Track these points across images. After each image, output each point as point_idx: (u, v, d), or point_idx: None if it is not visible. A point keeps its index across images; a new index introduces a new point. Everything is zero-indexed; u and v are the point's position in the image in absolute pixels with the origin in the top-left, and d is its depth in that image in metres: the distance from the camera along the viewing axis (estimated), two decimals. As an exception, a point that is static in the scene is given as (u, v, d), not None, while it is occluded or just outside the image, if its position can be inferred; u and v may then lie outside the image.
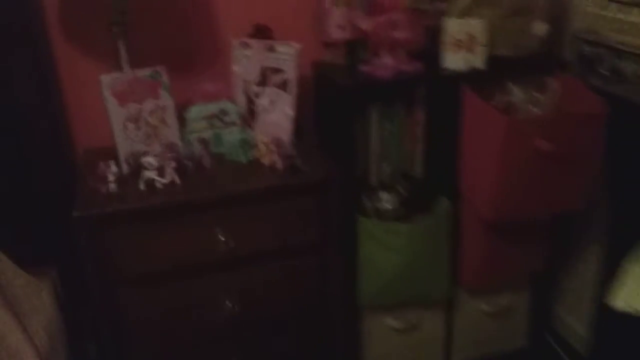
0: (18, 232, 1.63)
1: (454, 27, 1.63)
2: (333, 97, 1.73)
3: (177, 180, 1.54)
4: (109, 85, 1.55)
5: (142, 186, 1.51)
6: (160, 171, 1.52)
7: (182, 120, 1.68)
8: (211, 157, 1.65)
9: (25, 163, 1.66)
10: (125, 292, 1.52)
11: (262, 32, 1.74)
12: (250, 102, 1.76)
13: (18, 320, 1.43)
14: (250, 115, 1.78)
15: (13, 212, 1.64)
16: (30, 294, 1.55)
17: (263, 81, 1.73)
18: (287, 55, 1.66)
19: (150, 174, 1.50)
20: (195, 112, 1.68)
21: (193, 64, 1.83)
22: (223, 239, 1.54)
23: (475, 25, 1.62)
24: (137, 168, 1.53)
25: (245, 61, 1.75)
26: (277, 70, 1.69)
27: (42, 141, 1.67)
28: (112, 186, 1.49)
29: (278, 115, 1.71)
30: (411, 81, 1.69)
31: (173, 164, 1.52)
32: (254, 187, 1.52)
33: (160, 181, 1.51)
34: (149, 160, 1.48)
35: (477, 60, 1.65)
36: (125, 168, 1.59)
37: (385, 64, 1.65)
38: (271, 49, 1.69)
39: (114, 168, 1.48)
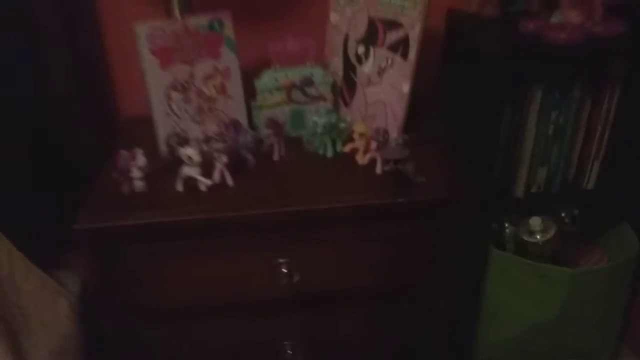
0: (43, 216, 1.25)
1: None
2: (474, 69, 1.15)
3: (230, 181, 1.06)
4: (148, 39, 1.08)
5: (179, 187, 1.05)
6: (207, 168, 1.04)
7: (249, 91, 1.19)
8: (284, 144, 1.15)
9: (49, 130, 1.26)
10: (147, 332, 1.10)
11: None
12: (350, 69, 1.22)
13: (11, 343, 1.06)
14: (347, 88, 1.24)
15: (37, 191, 1.24)
16: (43, 303, 1.16)
17: (371, 39, 1.17)
18: (410, 2, 1.09)
19: (190, 172, 1.03)
20: (268, 79, 1.17)
21: (269, 11, 1.31)
22: (285, 270, 1.05)
23: None
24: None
25: (349, 8, 1.20)
26: (393, 24, 1.13)
27: (72, 102, 1.25)
28: (139, 184, 1.04)
29: (387, 91, 1.16)
30: (605, 50, 1.06)
31: (224, 159, 1.04)
32: (339, 204, 1.00)
33: (204, 182, 1.04)
34: (190, 152, 1.01)
35: None
36: (164, 155, 1.14)
37: (566, 21, 1.03)
38: (386, -9, 1.13)
39: (140, 159, 1.02)
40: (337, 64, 1.24)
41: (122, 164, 1.02)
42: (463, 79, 1.19)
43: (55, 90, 1.21)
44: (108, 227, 0.97)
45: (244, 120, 1.20)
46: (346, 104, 1.25)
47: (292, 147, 1.17)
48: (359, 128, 1.09)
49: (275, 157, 1.15)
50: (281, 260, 1.05)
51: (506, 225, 1.16)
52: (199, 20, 1.11)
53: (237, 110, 1.19)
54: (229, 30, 1.13)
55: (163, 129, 1.14)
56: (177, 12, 1.13)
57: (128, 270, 1.02)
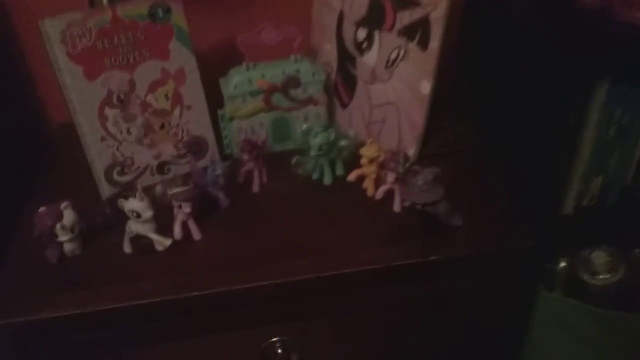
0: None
1: None
2: (514, 58, 0.85)
3: (197, 235, 0.78)
4: (63, 40, 0.75)
5: (127, 248, 0.76)
6: (165, 215, 0.75)
7: (214, 96, 0.88)
8: (266, 170, 0.86)
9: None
10: None
11: None
12: (347, 59, 0.92)
13: None
14: (344, 85, 0.94)
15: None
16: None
17: (375, 20, 0.87)
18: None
19: (140, 229, 0.73)
20: (239, 81, 0.86)
21: None
22: (281, 351, 0.78)
23: None
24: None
25: (340, -22, 0.88)
26: (406, 1, 0.83)
27: None
28: (70, 247, 0.75)
29: (400, 91, 0.87)
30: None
31: (186, 210, 0.74)
32: (348, 269, 0.73)
33: (161, 243, 0.75)
34: (135, 206, 0.71)
35: None
36: (106, 196, 0.84)
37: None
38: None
39: (68, 217, 0.72)
40: (330, 52, 0.93)
41: (41, 226, 0.72)
42: (496, 70, 0.90)
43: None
44: (28, 322, 0.68)
45: (210, 137, 0.90)
46: (344, 106, 0.95)
47: (276, 168, 0.87)
48: (368, 152, 0.80)
49: (256, 189, 0.85)
50: (274, 340, 0.78)
51: (560, 262, 0.90)
52: (136, 8, 0.78)
53: (200, 125, 0.88)
54: (179, 19, 0.81)
55: (100, 161, 0.83)
56: (104, -3, 0.80)
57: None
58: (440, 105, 0.87)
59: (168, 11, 0.80)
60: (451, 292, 0.79)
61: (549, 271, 0.91)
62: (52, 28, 0.74)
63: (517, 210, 0.80)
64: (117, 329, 0.72)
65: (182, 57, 0.83)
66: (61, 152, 0.89)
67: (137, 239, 0.75)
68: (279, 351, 0.78)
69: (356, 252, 0.74)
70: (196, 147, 0.89)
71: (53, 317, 0.68)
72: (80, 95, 0.78)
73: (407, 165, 0.76)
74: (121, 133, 0.83)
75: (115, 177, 0.85)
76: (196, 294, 0.70)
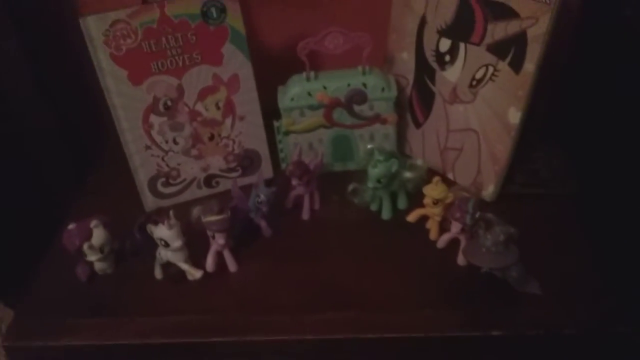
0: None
1: None
2: None
3: (232, 266, 0.70)
4: (106, 40, 0.69)
5: (158, 274, 0.70)
6: (200, 241, 0.68)
7: (270, 107, 0.79)
8: (318, 194, 0.77)
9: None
10: None
11: None
12: (426, 72, 0.79)
13: None
14: (419, 101, 0.81)
15: None
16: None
17: (462, 30, 0.73)
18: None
19: (170, 257, 0.67)
20: (298, 92, 0.77)
21: None
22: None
23: None
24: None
25: (425, -23, 0.75)
26: (501, 11, 0.68)
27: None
28: (100, 266, 0.70)
29: (484, 117, 0.73)
30: None
31: (220, 241, 0.67)
32: (403, 333, 0.62)
33: (191, 273, 0.68)
34: (163, 234, 0.65)
35: None
36: (149, 208, 0.79)
37: None
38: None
39: (97, 236, 0.68)
40: (407, 63, 0.81)
41: (69, 244, 0.67)
42: (612, 96, 0.74)
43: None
44: (45, 347, 0.65)
45: (264, 151, 0.81)
46: (417, 125, 0.83)
47: (332, 190, 0.78)
48: (432, 192, 0.68)
49: (305, 216, 0.77)
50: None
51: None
52: (186, 6, 0.70)
53: (252, 137, 0.80)
54: (235, 19, 0.72)
55: (144, 171, 0.78)
56: (155, -8, 0.73)
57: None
58: (534, 132, 0.72)
59: (223, 11, 0.71)
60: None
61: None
62: (95, 26, 0.68)
63: (618, 283, 0.65)
64: (136, 363, 0.68)
65: (236, 62, 0.74)
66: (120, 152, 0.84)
67: (168, 265, 0.69)
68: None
69: (405, 310, 0.63)
70: (247, 160, 0.81)
71: (71, 344, 0.64)
72: (124, 100, 0.72)
73: (477, 215, 0.63)
74: (167, 142, 0.77)
75: (160, 187, 0.79)
76: (219, 339, 0.63)
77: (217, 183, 0.82)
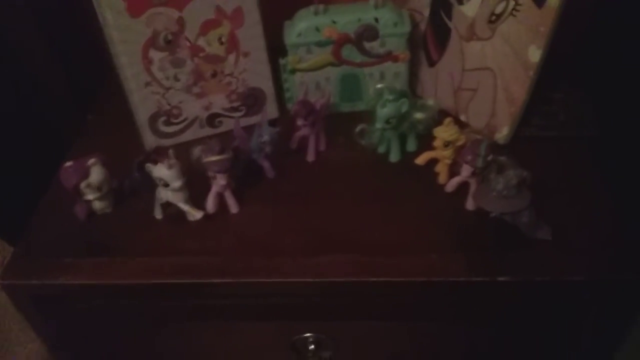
0: None
1: None
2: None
3: (234, 208, 0.69)
4: (102, -34, 0.65)
5: (158, 214, 0.69)
6: (202, 182, 0.66)
7: (276, 43, 0.76)
8: (324, 135, 0.74)
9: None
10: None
11: None
12: (442, 6, 0.74)
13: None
14: (434, 38, 0.77)
15: None
16: None
17: (479, -39, 0.68)
18: None
19: (170, 197, 0.65)
20: (305, 27, 0.73)
21: None
22: (313, 347, 0.70)
23: None
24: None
25: None
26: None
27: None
28: (99, 205, 0.69)
29: (502, 54, 0.69)
30: None
31: (221, 182, 0.65)
32: (400, 277, 0.60)
33: (191, 214, 0.67)
34: (162, 173, 0.63)
35: None
36: (149, 148, 0.77)
37: None
38: None
39: (95, 174, 0.66)
40: (420, 1, 0.76)
41: (67, 182, 0.66)
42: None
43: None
44: (43, 285, 0.64)
45: (268, 89, 0.78)
46: (431, 63, 0.78)
47: (339, 132, 0.75)
48: (444, 134, 0.64)
49: (310, 157, 0.74)
50: (307, 335, 0.69)
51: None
52: None
53: (257, 75, 0.77)
54: (239, -54, 0.68)
55: (144, 108, 0.75)
56: None
57: (85, 341, 0.71)
58: (552, 72, 0.68)
59: (226, -63, 0.67)
60: (521, 317, 0.65)
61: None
62: (90, -45, 0.64)
63: (631, 230, 0.62)
64: (136, 303, 0.67)
65: (240, -5, 0.70)
66: (115, 92, 0.81)
67: (168, 205, 0.67)
68: (311, 347, 0.69)
69: (410, 255, 0.61)
70: (252, 99, 0.78)
71: (69, 283, 0.63)
72: (122, 34, 0.69)
73: (490, 158, 0.60)
74: (168, 79, 0.74)
75: (161, 126, 0.77)
76: (219, 280, 0.62)
77: (220, 122, 0.79)
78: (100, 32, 0.69)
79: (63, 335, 0.72)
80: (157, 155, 0.64)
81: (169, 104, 0.75)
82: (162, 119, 0.76)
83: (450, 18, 0.73)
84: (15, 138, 0.89)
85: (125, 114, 0.75)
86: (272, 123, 0.72)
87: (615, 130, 0.72)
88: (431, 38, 0.77)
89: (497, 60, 0.70)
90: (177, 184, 0.63)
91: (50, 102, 0.93)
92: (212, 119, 0.78)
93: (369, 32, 0.72)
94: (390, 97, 0.67)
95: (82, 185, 0.65)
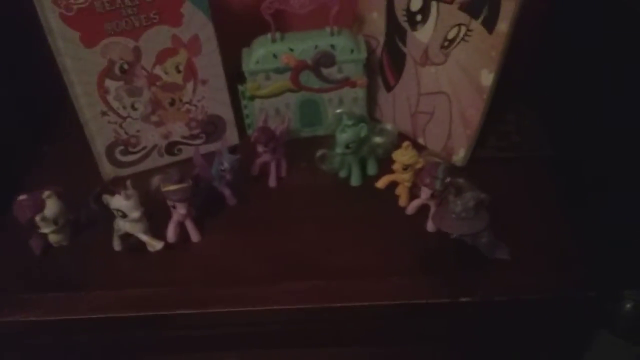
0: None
1: None
2: (623, 45, 0.67)
3: (195, 236, 0.68)
4: (55, 0, 0.64)
5: (116, 246, 0.67)
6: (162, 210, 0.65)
7: (236, 72, 0.76)
8: (285, 161, 0.74)
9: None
10: None
11: None
12: (397, 33, 0.76)
13: None
14: (390, 63, 0.78)
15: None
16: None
17: (430, -11, 0.70)
18: None
19: (128, 228, 0.64)
20: (263, 55, 0.73)
21: None
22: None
23: None
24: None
25: None
26: (470, -32, 0.65)
27: None
28: (55, 238, 0.67)
29: (455, 78, 0.71)
30: None
31: (181, 211, 0.65)
32: (364, 302, 0.61)
33: (152, 245, 0.66)
34: (121, 205, 0.61)
35: None
36: (106, 177, 0.75)
37: None
38: None
39: (51, 207, 0.64)
40: (377, 23, 0.77)
41: (21, 216, 0.64)
42: (591, 56, 0.71)
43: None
44: (3, 322, 0.62)
45: (228, 117, 0.78)
46: (388, 87, 0.80)
47: (300, 157, 0.75)
48: (401, 157, 0.65)
49: (272, 183, 0.74)
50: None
51: (626, 303, 0.74)
52: (142, -38, 0.66)
53: (216, 102, 0.76)
54: (195, -25, 0.68)
55: (100, 138, 0.74)
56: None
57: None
58: (506, 94, 0.70)
59: (181, -34, 0.67)
60: (485, 335, 0.66)
61: (611, 312, 0.76)
62: (42, -16, 0.63)
63: (584, 244, 0.64)
64: (97, 338, 0.65)
65: (197, 23, 0.70)
66: (72, 120, 0.80)
67: (127, 236, 0.66)
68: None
69: (373, 278, 0.62)
70: (211, 126, 0.78)
71: (26, 320, 0.61)
72: (77, 64, 0.68)
73: (447, 181, 0.61)
74: (124, 108, 0.73)
75: (118, 155, 0.76)
76: (182, 312, 0.61)
77: (180, 150, 0.78)
78: (53, 59, 0.68)
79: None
80: (114, 186, 0.63)
81: (127, 133, 0.74)
82: (120, 148, 0.75)
83: (405, 44, 0.75)
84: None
85: (81, 143, 0.74)
86: (233, 150, 0.72)
87: (568, 150, 0.74)
88: (387, 63, 0.78)
89: (452, 84, 0.72)
90: (135, 214, 0.62)
91: (3, 131, 0.91)
92: (171, 147, 0.78)
93: (326, 59, 0.73)
94: (349, 123, 0.68)
95: (37, 218, 0.64)
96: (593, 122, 0.73)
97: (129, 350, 0.68)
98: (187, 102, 0.75)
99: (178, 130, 0.77)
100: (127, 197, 0.61)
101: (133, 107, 0.73)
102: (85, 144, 0.74)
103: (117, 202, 0.61)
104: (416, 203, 0.66)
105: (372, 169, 0.74)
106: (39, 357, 0.68)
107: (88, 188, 0.64)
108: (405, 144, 0.66)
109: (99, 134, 0.73)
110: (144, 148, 0.76)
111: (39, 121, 0.90)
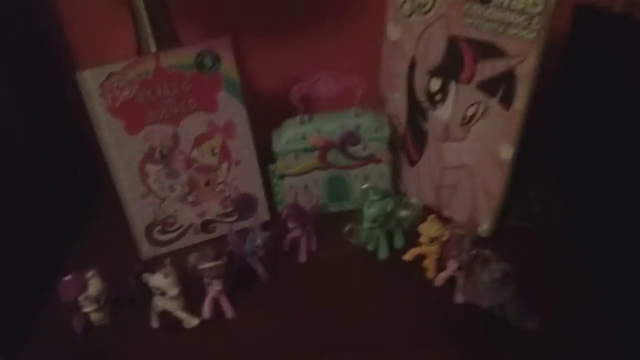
0: None
1: None
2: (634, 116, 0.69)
3: (229, 312, 0.70)
4: (101, 93, 0.70)
5: (154, 323, 0.70)
6: (197, 288, 0.68)
7: (266, 151, 0.80)
8: (315, 236, 0.77)
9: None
10: None
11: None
12: (418, 111, 0.80)
13: None
14: (413, 140, 0.82)
15: None
16: None
17: (452, 70, 0.74)
18: (520, 16, 0.65)
19: (166, 305, 0.67)
20: (292, 136, 0.78)
21: (292, 28, 0.89)
22: None
23: None
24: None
25: (417, 18, 0.77)
26: (489, 50, 0.69)
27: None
28: (96, 317, 0.70)
29: (476, 154, 0.74)
30: None
31: (216, 287, 0.67)
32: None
33: (188, 321, 0.68)
34: (159, 282, 0.65)
35: None
36: (145, 255, 0.79)
37: None
38: (476, -2, 0.69)
39: (94, 286, 0.68)
40: (399, 102, 0.82)
41: (66, 296, 0.67)
42: (604, 129, 0.74)
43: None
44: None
45: (260, 195, 0.82)
46: (412, 163, 0.83)
47: (329, 232, 0.78)
48: (427, 230, 0.68)
49: (302, 258, 0.76)
50: None
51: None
52: (181, 57, 0.72)
53: (248, 182, 0.81)
54: (229, 68, 0.74)
55: (140, 219, 0.78)
56: (151, 44, 0.75)
57: None
58: (526, 166, 0.73)
59: (217, 60, 0.73)
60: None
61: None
62: (91, 80, 0.69)
63: (613, 309, 0.64)
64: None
65: (231, 109, 0.76)
66: (115, 199, 0.85)
67: (164, 314, 0.68)
68: None
69: (403, 350, 0.63)
70: (244, 204, 0.81)
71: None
72: (120, 151, 0.73)
73: (474, 252, 0.63)
74: (163, 190, 0.77)
75: (156, 235, 0.79)
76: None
77: (214, 228, 0.82)
78: (95, 145, 0.73)
79: None
80: (154, 265, 0.66)
81: (165, 213, 0.79)
82: (158, 227, 0.79)
83: (426, 122, 0.79)
84: (8, 247, 0.91)
85: (120, 223, 0.78)
86: (264, 226, 0.75)
87: (587, 217, 0.76)
88: (410, 140, 0.82)
89: (473, 158, 0.75)
90: (173, 292, 0.65)
91: (45, 211, 0.96)
92: (206, 225, 0.81)
93: (352, 138, 0.78)
94: (376, 198, 0.71)
95: (81, 298, 0.67)
96: (611, 191, 0.75)
97: None
98: (221, 182, 0.79)
99: (212, 209, 0.81)
100: (166, 275, 0.64)
101: (171, 189, 0.78)
102: (123, 224, 0.78)
103: (157, 280, 0.65)
104: (444, 275, 0.68)
105: (399, 242, 0.76)
106: None
107: (127, 267, 0.68)
108: (431, 217, 0.68)
109: (140, 214, 0.77)
110: (180, 227, 0.80)
111: (80, 203, 0.95)
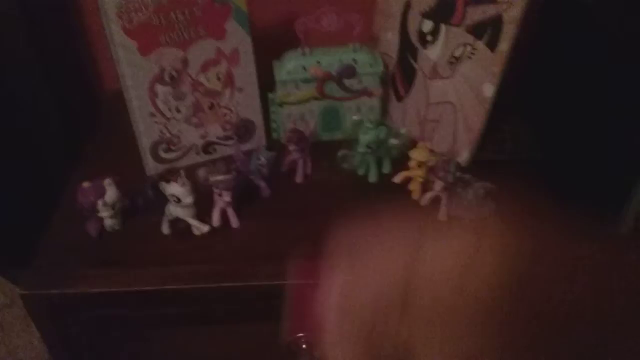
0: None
1: None
2: (601, 63, 0.79)
3: (235, 223, 0.77)
4: (119, 15, 0.74)
5: (165, 229, 0.76)
6: (204, 201, 0.74)
7: (266, 79, 0.86)
8: (311, 160, 0.84)
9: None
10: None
11: None
12: (409, 51, 0.87)
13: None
14: (402, 77, 0.89)
15: None
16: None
17: (443, 13, 0.81)
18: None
19: (179, 213, 0.73)
20: (293, 67, 0.84)
21: None
22: (305, 346, 0.78)
23: None
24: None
25: (409, -36, 0.83)
26: (476, -4, 0.77)
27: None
28: (110, 223, 0.75)
29: (461, 91, 0.82)
30: None
31: (226, 198, 0.74)
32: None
33: (198, 228, 0.75)
34: (176, 190, 0.71)
35: None
36: (150, 174, 0.84)
37: None
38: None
39: (110, 194, 0.73)
40: (391, 42, 0.89)
41: (84, 201, 0.73)
42: (575, 73, 0.83)
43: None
44: (64, 294, 0.70)
45: (258, 120, 0.88)
46: (399, 98, 0.91)
47: (321, 158, 0.85)
48: (417, 155, 0.76)
49: (299, 179, 0.84)
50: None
51: None
52: (195, -17, 0.76)
53: (249, 108, 0.86)
54: (238, -2, 0.78)
55: (147, 136, 0.83)
56: (163, -31, 0.78)
57: (96, 344, 0.76)
58: (502, 106, 0.82)
59: (228, -12, 0.77)
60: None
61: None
62: (109, 1, 0.73)
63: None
64: (147, 309, 0.73)
65: (237, 38, 0.81)
66: (113, 120, 0.89)
67: (176, 222, 0.75)
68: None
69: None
70: (243, 129, 0.87)
71: (86, 292, 0.69)
72: (133, 70, 0.77)
73: (458, 174, 0.72)
74: (170, 110, 0.82)
75: (161, 153, 0.85)
76: (227, 284, 0.70)
77: (214, 149, 0.88)
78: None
79: (68, 340, 0.76)
80: (169, 175, 0.72)
81: (170, 133, 0.84)
82: (163, 146, 0.84)
83: (415, 60, 0.86)
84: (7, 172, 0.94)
85: (118, 144, 0.83)
86: (269, 147, 0.81)
87: (555, 154, 0.86)
88: (399, 77, 0.89)
89: (457, 95, 0.83)
90: (189, 199, 0.71)
91: (42, 134, 0.99)
92: (207, 147, 0.87)
93: (349, 71, 0.84)
94: (371, 125, 0.78)
95: (99, 203, 0.72)
96: (576, 130, 0.85)
97: (176, 322, 0.76)
98: (224, 107, 0.85)
99: (214, 131, 0.86)
100: (182, 184, 0.70)
101: (177, 110, 0.83)
102: (122, 144, 0.83)
103: (174, 188, 0.70)
104: (430, 195, 0.76)
105: (386, 168, 0.84)
106: (87, 328, 0.75)
107: (132, 181, 0.73)
108: (421, 144, 0.76)
109: (146, 133, 0.82)
110: (183, 147, 0.85)
111: (77, 124, 0.98)
